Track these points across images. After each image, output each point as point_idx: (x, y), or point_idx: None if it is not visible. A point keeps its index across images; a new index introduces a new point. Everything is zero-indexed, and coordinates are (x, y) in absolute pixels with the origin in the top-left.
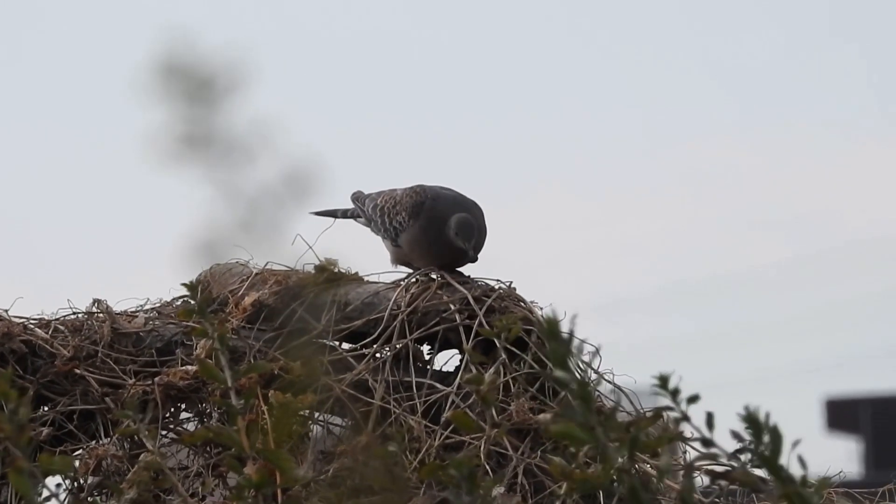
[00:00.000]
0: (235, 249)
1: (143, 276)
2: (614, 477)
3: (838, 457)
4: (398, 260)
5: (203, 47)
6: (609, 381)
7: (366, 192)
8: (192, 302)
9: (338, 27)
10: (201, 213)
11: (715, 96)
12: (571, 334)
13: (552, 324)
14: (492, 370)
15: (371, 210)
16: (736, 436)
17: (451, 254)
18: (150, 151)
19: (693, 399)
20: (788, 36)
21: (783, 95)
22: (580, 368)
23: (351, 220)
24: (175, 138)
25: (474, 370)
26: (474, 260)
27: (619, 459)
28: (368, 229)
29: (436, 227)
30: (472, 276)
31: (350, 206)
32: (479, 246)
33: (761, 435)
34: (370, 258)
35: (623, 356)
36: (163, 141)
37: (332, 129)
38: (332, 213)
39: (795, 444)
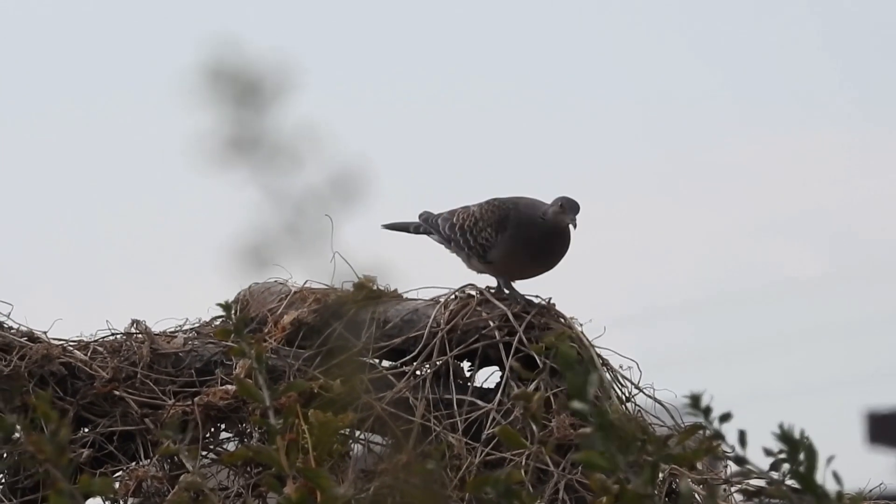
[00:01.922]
0: (281, 257)
1: (187, 286)
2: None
3: (880, 470)
4: (494, 274)
5: (251, 51)
6: (649, 396)
7: (434, 213)
8: (230, 321)
9: (383, 32)
10: (248, 217)
11: (763, 102)
12: (593, 360)
13: (566, 356)
14: (533, 386)
15: (448, 230)
16: (769, 453)
17: (545, 253)
18: (198, 155)
19: (725, 417)
20: (825, 36)
21: (829, 105)
22: (615, 384)
23: (402, 233)
24: (222, 142)
25: (516, 387)
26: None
27: (647, 482)
28: (443, 247)
29: (524, 232)
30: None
31: (417, 220)
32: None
33: (797, 451)
34: (409, 274)
35: (663, 368)
36: (210, 145)
37: (380, 134)
38: (405, 228)
39: (830, 459)
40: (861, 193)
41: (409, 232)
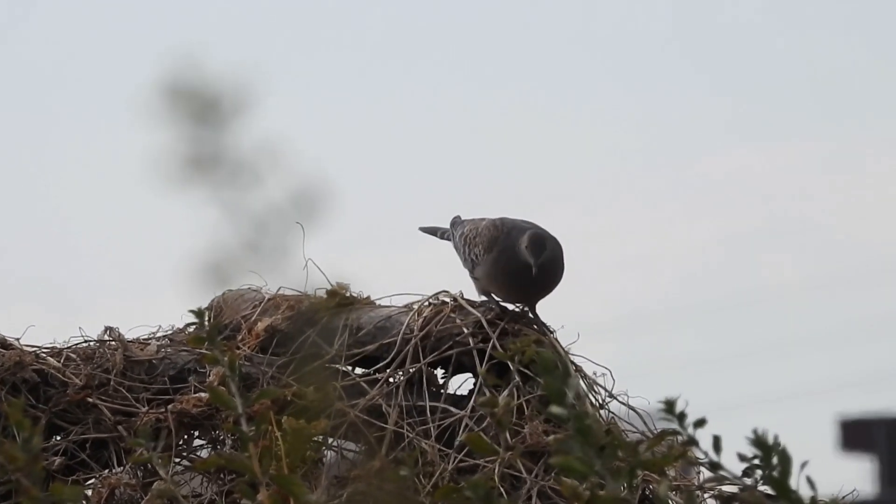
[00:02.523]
0: (244, 272)
1: (155, 301)
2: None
3: (853, 476)
4: (480, 291)
5: (209, 68)
6: (623, 403)
7: (463, 218)
8: (203, 329)
9: (345, 46)
10: (208, 234)
11: (733, 110)
12: (567, 366)
13: (546, 360)
14: (505, 393)
15: (458, 239)
16: (743, 458)
17: (521, 284)
18: (157, 173)
19: (700, 423)
20: (801, 43)
21: (804, 110)
22: (588, 391)
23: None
24: (181, 160)
25: (488, 394)
26: (541, 281)
27: (622, 487)
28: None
29: (506, 258)
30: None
31: (447, 226)
32: (548, 269)
33: (770, 457)
34: (381, 282)
35: (637, 375)
36: (169, 162)
37: (341, 149)
38: (434, 232)
39: (804, 465)
40: (838, 203)
41: (436, 237)
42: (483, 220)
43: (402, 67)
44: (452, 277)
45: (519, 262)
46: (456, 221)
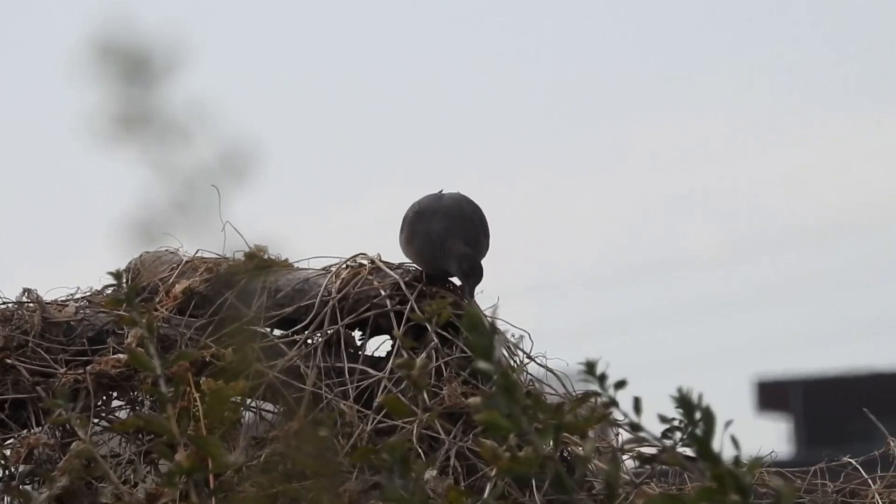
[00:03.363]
0: (171, 231)
1: (80, 262)
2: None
3: (770, 437)
4: None
5: (140, 26)
6: (541, 365)
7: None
8: (121, 290)
9: (278, 4)
10: (137, 193)
11: (664, 74)
12: (494, 324)
13: (473, 316)
14: (423, 355)
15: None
16: (663, 419)
17: (440, 267)
18: (86, 132)
19: (620, 384)
20: (721, 9)
21: (730, 72)
22: (509, 353)
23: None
24: (110, 118)
25: (406, 355)
26: (471, 295)
27: (546, 446)
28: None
29: (419, 242)
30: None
31: None
32: (478, 277)
33: (694, 417)
34: (301, 244)
35: (557, 338)
36: (98, 121)
37: (272, 109)
38: None
39: (728, 424)
40: (756, 171)
41: None
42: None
43: (334, 27)
44: (380, 241)
45: (435, 253)
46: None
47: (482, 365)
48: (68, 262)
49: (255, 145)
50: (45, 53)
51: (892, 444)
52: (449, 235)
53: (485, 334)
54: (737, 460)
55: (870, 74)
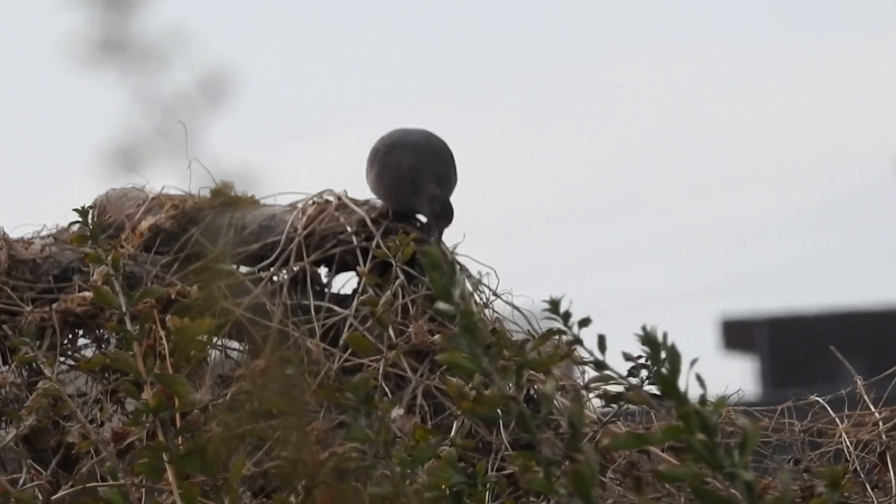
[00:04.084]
0: (149, 158)
1: (46, 191)
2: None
3: (735, 377)
4: None
5: None
6: (506, 302)
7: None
8: (87, 227)
9: None
10: (116, 119)
11: (627, 25)
12: (454, 263)
13: (432, 255)
14: (389, 293)
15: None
16: (628, 357)
17: (403, 200)
18: (65, 57)
19: (584, 322)
20: None
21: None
22: (473, 290)
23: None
24: (90, 44)
25: (373, 293)
26: (438, 234)
27: (508, 386)
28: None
29: (389, 176)
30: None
31: None
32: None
33: (659, 354)
34: (268, 179)
35: (523, 277)
36: (77, 46)
37: (251, 35)
38: None
39: (693, 362)
40: (720, 113)
41: None
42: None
43: None
44: (350, 176)
45: (404, 189)
46: None
47: (442, 305)
48: (36, 195)
49: (231, 73)
50: None
51: (858, 382)
52: (419, 171)
53: (445, 273)
54: (702, 399)
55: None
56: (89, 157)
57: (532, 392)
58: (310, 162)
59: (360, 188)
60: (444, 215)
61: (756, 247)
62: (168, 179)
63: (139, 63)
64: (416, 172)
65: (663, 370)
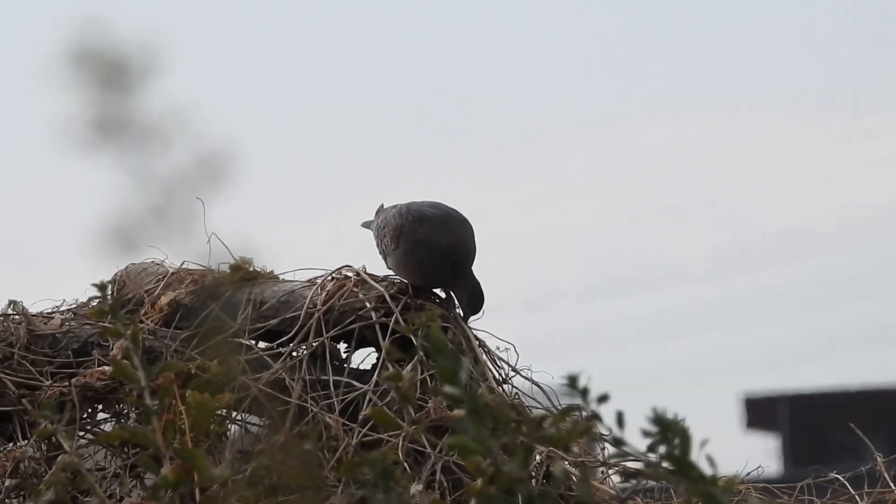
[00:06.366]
0: (150, 238)
1: (60, 271)
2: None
3: (757, 454)
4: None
5: (116, 32)
6: (525, 377)
7: (386, 206)
8: (106, 302)
9: (259, 9)
10: (114, 199)
11: (647, 91)
12: (461, 345)
13: (437, 339)
14: (409, 367)
15: (375, 229)
16: (646, 434)
17: (437, 279)
18: (63, 138)
19: (603, 399)
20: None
21: (714, 78)
22: (493, 366)
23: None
24: (88, 124)
25: (392, 368)
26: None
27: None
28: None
29: (421, 252)
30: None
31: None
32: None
33: (670, 434)
34: (287, 255)
35: (543, 350)
36: (75, 127)
37: (249, 116)
38: (368, 226)
39: (703, 443)
40: (744, 181)
41: (370, 229)
42: (395, 207)
43: (319, 34)
44: (362, 252)
45: (441, 268)
46: (379, 210)
47: (449, 389)
48: (57, 270)
49: (233, 151)
50: (21, 58)
51: (878, 460)
52: (460, 254)
53: (450, 357)
54: (714, 478)
55: (844, 91)
56: (86, 239)
57: (550, 468)
58: (324, 237)
59: (376, 264)
60: (476, 306)
61: (778, 323)
62: (181, 252)
63: (138, 143)
64: (458, 255)
65: (674, 451)
